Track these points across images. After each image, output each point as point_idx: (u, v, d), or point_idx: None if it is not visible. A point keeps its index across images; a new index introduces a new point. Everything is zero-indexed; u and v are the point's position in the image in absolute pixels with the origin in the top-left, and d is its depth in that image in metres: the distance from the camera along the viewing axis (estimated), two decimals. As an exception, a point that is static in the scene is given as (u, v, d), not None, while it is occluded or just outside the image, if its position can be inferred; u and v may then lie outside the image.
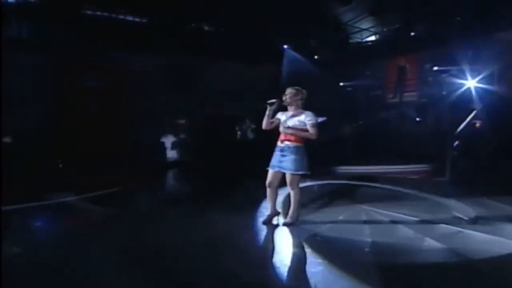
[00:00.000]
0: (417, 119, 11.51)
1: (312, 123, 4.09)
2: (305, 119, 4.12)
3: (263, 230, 4.12)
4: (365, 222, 4.40)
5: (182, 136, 11.33)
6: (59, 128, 8.89)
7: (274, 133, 4.30)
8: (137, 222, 4.57)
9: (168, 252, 3.48)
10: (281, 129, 4.21)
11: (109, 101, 9.82)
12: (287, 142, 4.14)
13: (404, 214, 4.58)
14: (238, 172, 8.40)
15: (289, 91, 4.26)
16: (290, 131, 4.14)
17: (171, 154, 11.01)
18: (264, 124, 4.26)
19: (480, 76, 9.23)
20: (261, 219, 4.36)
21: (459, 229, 3.98)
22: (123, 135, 9.67)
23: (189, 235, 3.98)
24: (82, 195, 5.80)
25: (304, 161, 4.12)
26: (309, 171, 4.13)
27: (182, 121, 11.55)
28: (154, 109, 10.26)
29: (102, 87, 9.76)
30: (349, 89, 12.93)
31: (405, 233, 3.95)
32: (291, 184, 4.14)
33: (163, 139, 10.91)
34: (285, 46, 11.82)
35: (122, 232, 4.15)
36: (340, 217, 4.57)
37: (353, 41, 12.19)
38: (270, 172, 4.24)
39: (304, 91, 4.30)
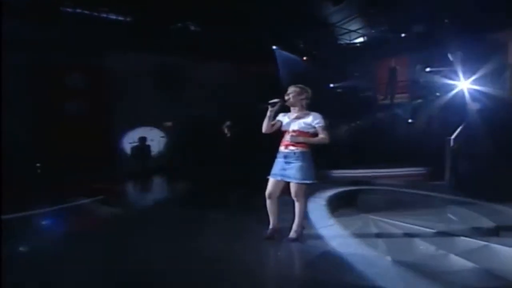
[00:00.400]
0: (409, 120, 11.33)
1: (323, 126, 3.63)
2: (313, 121, 3.65)
3: (264, 246, 3.66)
4: (378, 235, 3.95)
5: (173, 140, 10.71)
6: (38, 129, 8.35)
7: (275, 137, 3.81)
8: (124, 232, 4.34)
9: (160, 271, 3.12)
10: (287, 138, 3.70)
11: (92, 102, 9.30)
12: (292, 147, 3.64)
13: (419, 226, 4.14)
14: (235, 180, 7.77)
15: (292, 89, 3.78)
16: (301, 139, 3.63)
17: (161, 159, 10.39)
18: (265, 127, 3.76)
19: (473, 77, 9.12)
20: (262, 234, 3.84)
21: (483, 242, 3.54)
22: (106, 138, 9.27)
23: (182, 251, 3.59)
24: (63, 204, 5.50)
25: (311, 168, 3.64)
26: (316, 180, 3.66)
27: (173, 125, 10.88)
28: (141, 111, 9.70)
29: (85, 88, 9.25)
30: (339, 90, 12.63)
31: (425, 249, 3.50)
32: (296, 195, 3.65)
33: (151, 143, 10.35)
34: (274, 47, 11.46)
35: (106, 243, 3.90)
36: (350, 231, 4.10)
37: (343, 42, 11.93)
38: (271, 181, 3.74)
39: (308, 89, 3.82)
